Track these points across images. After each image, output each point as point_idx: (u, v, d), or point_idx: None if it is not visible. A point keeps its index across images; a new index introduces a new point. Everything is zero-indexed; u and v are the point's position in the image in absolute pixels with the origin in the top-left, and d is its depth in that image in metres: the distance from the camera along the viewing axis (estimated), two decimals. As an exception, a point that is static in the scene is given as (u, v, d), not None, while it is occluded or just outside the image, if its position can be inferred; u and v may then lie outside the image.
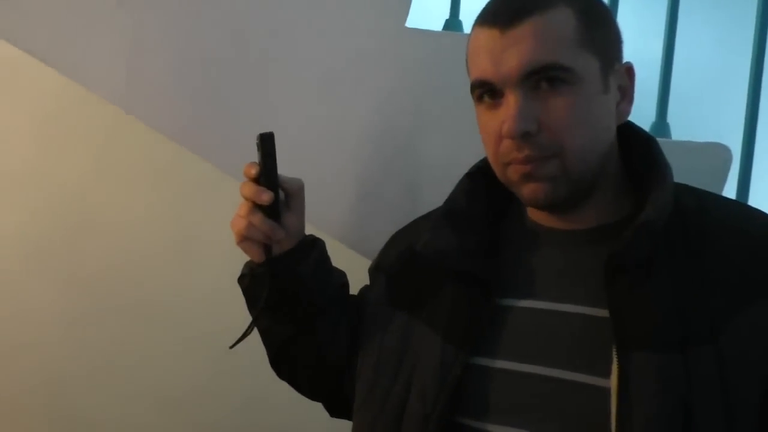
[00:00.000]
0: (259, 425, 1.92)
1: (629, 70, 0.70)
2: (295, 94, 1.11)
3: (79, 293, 1.89)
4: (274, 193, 0.73)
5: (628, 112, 0.71)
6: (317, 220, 0.85)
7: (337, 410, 0.87)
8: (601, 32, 0.68)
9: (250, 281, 0.79)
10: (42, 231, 1.89)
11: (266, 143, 0.74)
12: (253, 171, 0.73)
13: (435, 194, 0.85)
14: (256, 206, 0.73)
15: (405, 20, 1.14)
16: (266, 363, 1.52)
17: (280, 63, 1.10)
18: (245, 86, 1.12)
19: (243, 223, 0.74)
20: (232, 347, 0.81)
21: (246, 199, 0.74)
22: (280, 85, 1.11)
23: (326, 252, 0.82)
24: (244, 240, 0.75)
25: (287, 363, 0.85)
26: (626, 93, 0.70)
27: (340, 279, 0.84)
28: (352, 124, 1.08)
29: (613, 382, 0.60)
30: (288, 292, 0.77)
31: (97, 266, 1.89)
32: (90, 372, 1.91)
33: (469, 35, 0.70)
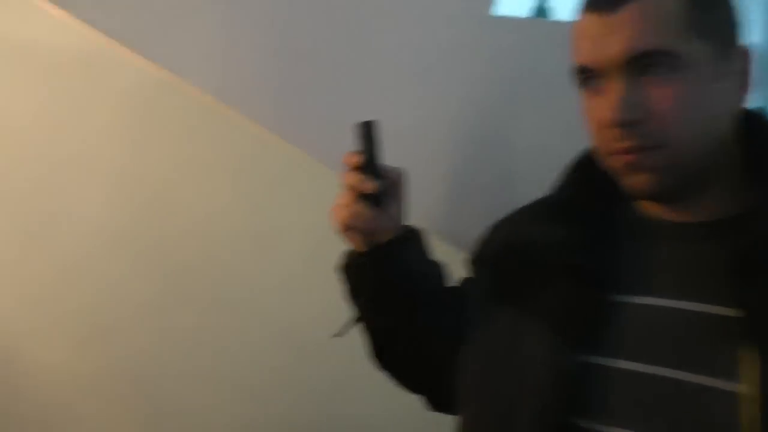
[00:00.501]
0: (337, 416, 1.94)
1: (747, 54, 0.66)
2: (387, 84, 1.12)
3: (163, 282, 1.96)
4: (378, 182, 0.74)
5: (745, 99, 0.67)
6: (409, 211, 0.85)
7: (439, 405, 0.85)
8: (714, 14, 0.64)
9: (351, 271, 0.80)
10: (128, 222, 1.96)
11: (370, 131, 0.75)
12: (357, 159, 0.74)
13: (528, 184, 0.83)
14: (360, 195, 0.74)
15: (491, 8, 1.12)
16: (345, 353, 1.53)
17: (371, 54, 1.11)
18: (338, 76, 1.13)
19: (346, 212, 0.75)
20: (335, 337, 0.82)
21: (349, 188, 0.74)
22: (371, 75, 1.11)
23: (427, 242, 0.82)
24: (346, 229, 0.76)
25: (389, 355, 0.84)
26: (743, 78, 0.66)
27: (440, 270, 0.84)
28: (443, 114, 1.08)
29: (751, 387, 0.56)
30: (390, 283, 0.78)
31: (180, 256, 1.95)
32: (171, 358, 1.97)
33: (575, 20, 0.69)
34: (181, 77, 1.57)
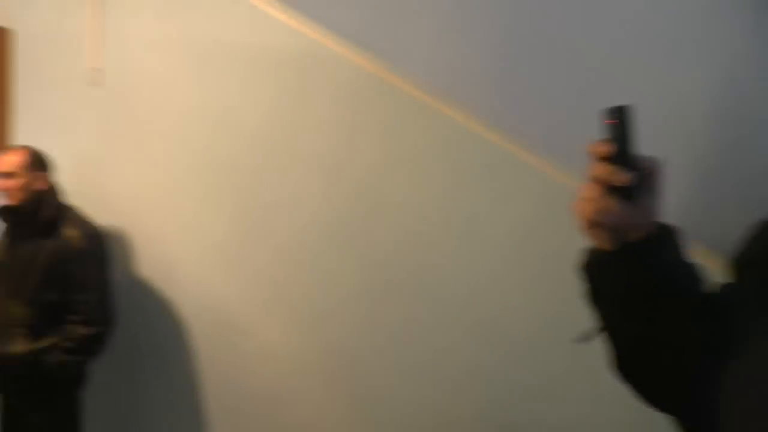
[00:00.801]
0: (536, 418, 1.87)
1: None
2: (619, 66, 1.01)
3: (371, 271, 2.03)
4: (631, 174, 0.66)
5: None
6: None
7: (690, 425, 0.76)
8: None
9: (594, 271, 0.73)
10: (340, 213, 2.06)
11: (622, 117, 0.67)
12: (607, 149, 0.67)
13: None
14: (609, 188, 0.67)
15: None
16: (548, 351, 1.43)
17: (607, 27, 1.01)
18: (564, 64, 1.05)
19: (593, 207, 0.68)
20: (576, 342, 0.75)
21: (598, 180, 0.67)
22: (608, 54, 1.02)
23: (683, 241, 0.72)
24: (592, 225, 0.69)
25: (634, 366, 0.76)
26: None
27: (696, 273, 0.73)
28: (695, 96, 0.95)
29: None
30: (641, 286, 0.69)
31: (390, 247, 2.01)
32: (378, 346, 2.04)
33: None
34: (404, 72, 1.59)
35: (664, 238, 0.70)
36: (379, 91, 1.95)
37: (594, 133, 0.72)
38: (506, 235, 1.85)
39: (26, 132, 2.38)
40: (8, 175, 1.95)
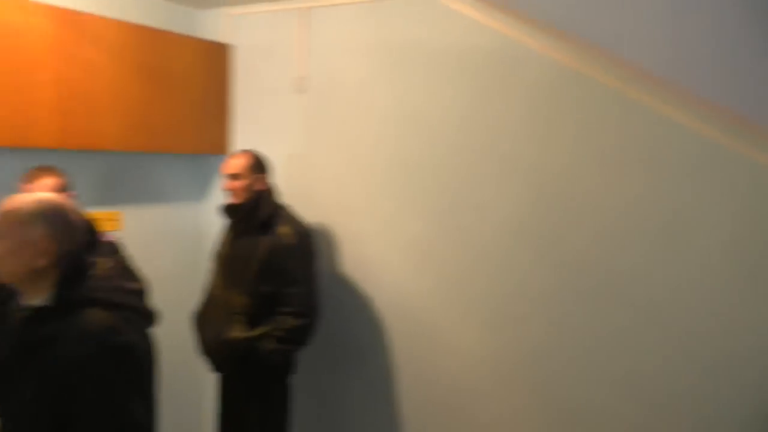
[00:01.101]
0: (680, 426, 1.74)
1: None
2: None
3: (565, 274, 1.97)
4: None
5: None
6: None
7: None
8: None
9: None
10: (533, 214, 2.02)
11: None
12: None
13: None
14: None
15: None
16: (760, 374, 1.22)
17: None
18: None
19: None
20: None
21: None
22: None
23: None
24: None
25: None
26: None
27: None
28: None
29: None
30: None
31: (583, 249, 1.94)
32: (566, 351, 1.98)
33: None
34: (608, 63, 1.53)
35: None
36: (576, 86, 1.89)
37: None
38: (715, 237, 1.72)
39: (244, 137, 2.61)
40: (234, 176, 2.15)
